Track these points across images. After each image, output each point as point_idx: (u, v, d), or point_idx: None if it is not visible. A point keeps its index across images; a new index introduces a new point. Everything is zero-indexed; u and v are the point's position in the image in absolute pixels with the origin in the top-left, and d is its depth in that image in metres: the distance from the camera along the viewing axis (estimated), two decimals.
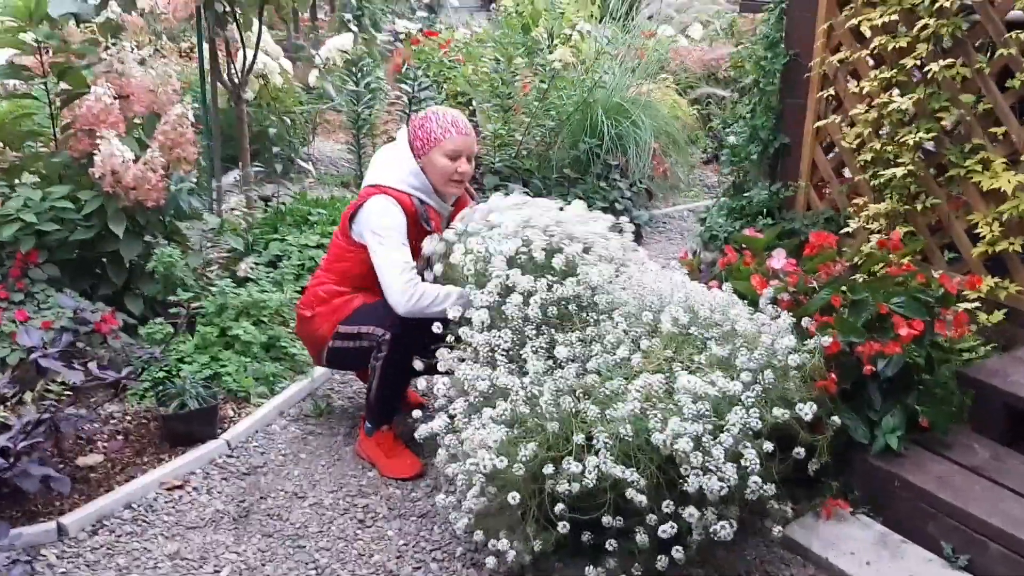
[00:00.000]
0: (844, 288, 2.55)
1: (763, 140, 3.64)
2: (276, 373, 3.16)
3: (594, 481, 2.00)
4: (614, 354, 2.22)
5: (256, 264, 3.66)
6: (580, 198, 4.98)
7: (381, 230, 2.62)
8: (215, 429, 2.85)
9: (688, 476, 2.01)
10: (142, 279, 3.33)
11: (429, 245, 2.63)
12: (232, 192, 4.12)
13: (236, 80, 4.29)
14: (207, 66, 4.25)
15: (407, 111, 5.00)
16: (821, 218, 3.43)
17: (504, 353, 2.24)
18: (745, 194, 3.75)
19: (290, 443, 2.90)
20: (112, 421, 2.92)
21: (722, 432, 2.05)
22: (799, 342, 2.30)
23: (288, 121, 5.48)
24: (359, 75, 5.09)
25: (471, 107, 5.58)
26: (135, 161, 3.09)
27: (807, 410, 2.17)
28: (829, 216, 3.43)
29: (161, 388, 2.87)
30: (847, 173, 3.50)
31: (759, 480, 2.05)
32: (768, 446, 2.10)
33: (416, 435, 2.28)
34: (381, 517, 2.53)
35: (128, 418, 2.95)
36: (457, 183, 2.73)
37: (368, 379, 2.74)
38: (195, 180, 3.68)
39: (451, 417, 2.23)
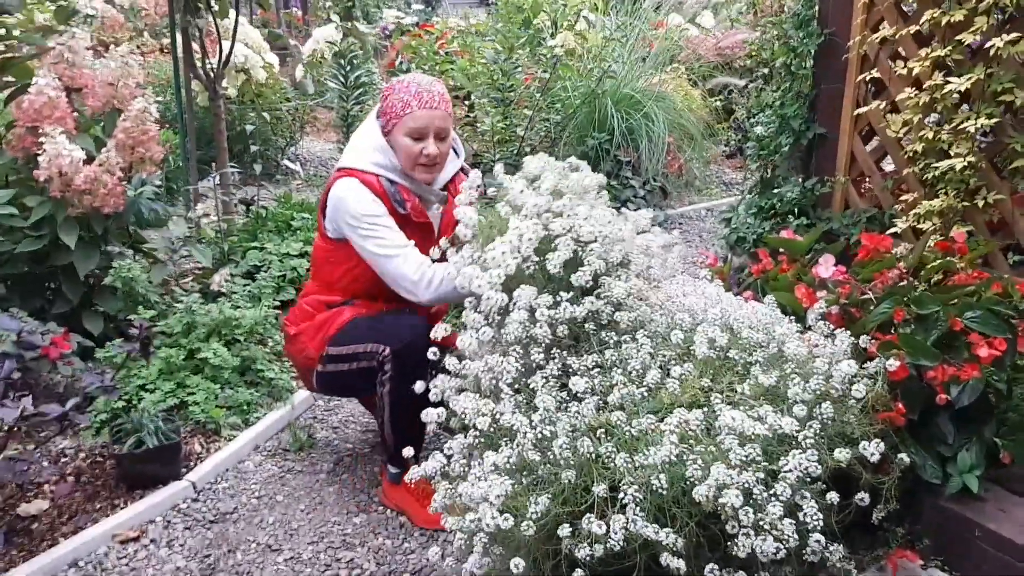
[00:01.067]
0: (907, 300, 2.17)
1: (795, 131, 3.26)
2: (251, 401, 2.79)
3: (620, 543, 1.64)
4: (640, 384, 1.86)
5: (232, 275, 3.29)
6: None
7: (356, 219, 2.24)
8: (178, 469, 2.49)
9: (736, 535, 1.65)
10: (101, 295, 2.97)
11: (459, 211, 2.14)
12: (206, 196, 3.75)
13: (212, 74, 3.93)
14: (182, 59, 3.89)
15: None
16: (863, 217, 3.05)
17: (509, 383, 1.87)
18: (774, 191, 3.37)
19: (265, 483, 2.53)
20: (63, 459, 2.57)
21: (776, 482, 1.68)
22: (858, 366, 1.93)
23: (273, 119, 5.11)
24: (348, 68, 4.72)
25: (469, 101, 5.22)
26: (88, 162, 2.73)
27: (873, 449, 1.80)
28: (872, 215, 3.05)
29: (119, 421, 2.51)
30: (887, 167, 3.12)
31: (822, 539, 1.69)
32: (833, 496, 1.74)
33: (406, 478, 1.91)
34: (368, 574, 2.17)
35: (82, 455, 2.59)
36: (426, 167, 2.31)
37: (377, 411, 2.33)
38: (160, 183, 3.30)
39: (448, 457, 1.86)
